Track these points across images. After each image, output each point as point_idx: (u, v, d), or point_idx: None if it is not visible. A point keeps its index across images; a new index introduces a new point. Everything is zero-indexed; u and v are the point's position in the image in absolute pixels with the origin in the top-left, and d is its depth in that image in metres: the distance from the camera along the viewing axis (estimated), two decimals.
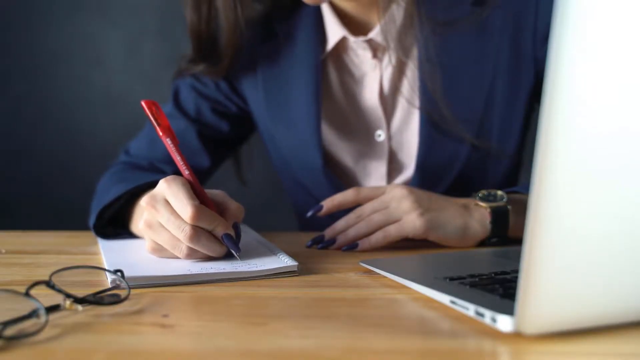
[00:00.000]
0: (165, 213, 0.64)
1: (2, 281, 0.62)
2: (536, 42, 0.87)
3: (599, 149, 0.40)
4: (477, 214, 0.76)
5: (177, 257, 0.66)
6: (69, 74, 1.62)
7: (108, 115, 1.63)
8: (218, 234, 0.65)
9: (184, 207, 0.63)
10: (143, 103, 0.67)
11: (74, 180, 1.63)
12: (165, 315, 0.50)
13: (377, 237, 0.75)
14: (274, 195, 1.54)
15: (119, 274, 0.57)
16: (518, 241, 0.76)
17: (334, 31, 0.91)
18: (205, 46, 0.92)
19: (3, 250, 0.77)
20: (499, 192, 0.78)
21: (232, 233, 0.65)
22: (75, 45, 1.62)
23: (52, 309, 0.49)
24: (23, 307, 0.47)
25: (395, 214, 0.75)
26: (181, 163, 0.67)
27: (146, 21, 1.60)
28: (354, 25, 0.91)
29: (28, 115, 1.64)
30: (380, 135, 0.94)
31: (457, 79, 0.88)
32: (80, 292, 0.52)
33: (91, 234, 0.82)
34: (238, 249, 0.65)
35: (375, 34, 0.88)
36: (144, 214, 0.67)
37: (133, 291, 0.56)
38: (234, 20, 0.88)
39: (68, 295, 0.51)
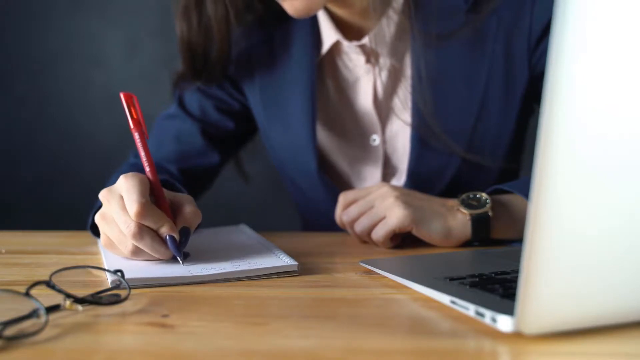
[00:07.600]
0: (116, 207, 0.64)
1: (2, 281, 0.62)
2: (530, 43, 0.85)
3: (599, 149, 0.40)
4: (460, 216, 0.76)
5: (127, 256, 0.65)
6: (69, 74, 1.62)
7: (108, 115, 1.63)
8: (162, 234, 0.64)
9: (131, 203, 0.62)
10: (121, 95, 0.67)
11: (73, 180, 1.63)
12: (165, 315, 0.50)
13: (377, 243, 0.76)
14: (274, 195, 1.54)
15: (119, 274, 0.57)
16: (502, 242, 0.77)
17: (329, 35, 0.90)
18: (196, 58, 0.89)
19: (3, 250, 0.76)
20: (484, 196, 0.77)
21: (177, 236, 0.64)
22: (75, 45, 1.62)
23: (52, 309, 0.49)
24: (23, 307, 0.47)
25: (379, 212, 0.76)
26: (145, 159, 0.67)
27: (146, 21, 1.60)
28: (349, 30, 0.90)
29: (28, 115, 1.64)
30: (375, 139, 0.93)
31: (450, 90, 0.87)
32: (80, 292, 0.52)
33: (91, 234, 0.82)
34: (180, 254, 0.64)
35: (368, 39, 0.87)
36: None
37: (133, 291, 0.56)
38: (225, 26, 0.87)
39: (68, 295, 0.51)
